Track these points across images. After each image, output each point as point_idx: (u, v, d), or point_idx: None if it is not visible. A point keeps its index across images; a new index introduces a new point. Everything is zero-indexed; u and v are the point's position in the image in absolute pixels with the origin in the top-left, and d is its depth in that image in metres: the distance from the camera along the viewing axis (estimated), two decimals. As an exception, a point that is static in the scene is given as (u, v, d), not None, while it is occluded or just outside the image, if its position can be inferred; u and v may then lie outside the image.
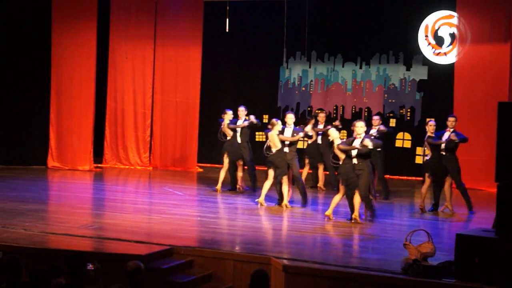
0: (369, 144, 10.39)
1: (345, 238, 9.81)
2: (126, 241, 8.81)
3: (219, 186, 13.29)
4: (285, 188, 11.67)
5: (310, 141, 14.03)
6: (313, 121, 14.05)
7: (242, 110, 13.25)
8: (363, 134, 10.59)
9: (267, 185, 11.85)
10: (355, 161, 10.47)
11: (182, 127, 16.79)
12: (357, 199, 10.45)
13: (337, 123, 13.94)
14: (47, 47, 16.17)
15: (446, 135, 11.73)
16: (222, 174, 13.33)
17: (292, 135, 11.73)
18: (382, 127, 12.95)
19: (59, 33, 16.18)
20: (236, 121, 13.25)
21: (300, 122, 14.74)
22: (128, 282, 5.91)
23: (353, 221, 10.42)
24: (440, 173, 11.71)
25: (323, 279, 7.68)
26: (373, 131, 12.78)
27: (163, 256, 8.43)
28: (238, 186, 13.34)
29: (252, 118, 13.12)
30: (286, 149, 11.70)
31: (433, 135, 11.81)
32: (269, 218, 11.14)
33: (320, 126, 14.03)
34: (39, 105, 16.29)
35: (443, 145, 11.68)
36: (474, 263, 7.18)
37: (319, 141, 13.97)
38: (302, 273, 7.80)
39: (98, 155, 16.70)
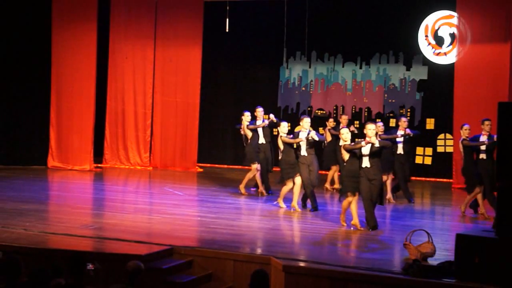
0: (375, 142, 10.05)
1: (345, 238, 9.81)
2: (126, 241, 8.81)
3: (260, 188, 13.09)
4: (296, 189, 11.46)
5: (326, 142, 13.73)
6: (332, 123, 13.90)
7: (260, 111, 13.09)
8: (373, 137, 10.32)
9: (285, 188, 11.64)
10: (366, 162, 10.02)
11: (182, 127, 16.79)
12: (346, 201, 10.20)
13: (352, 128, 13.77)
14: (47, 47, 16.17)
15: (483, 138, 11.34)
16: (258, 179, 13.06)
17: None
18: (408, 131, 12.70)
19: (59, 33, 16.19)
20: (254, 122, 13.14)
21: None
22: (128, 282, 5.92)
23: (352, 227, 10.24)
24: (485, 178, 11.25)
25: (323, 279, 7.68)
26: (400, 133, 12.60)
27: (163, 256, 8.43)
28: (259, 190, 13.07)
29: (272, 116, 12.90)
30: (304, 152, 11.43)
31: (467, 138, 11.45)
32: (270, 218, 11.13)
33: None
34: (39, 105, 16.29)
35: (483, 147, 11.29)
36: (474, 263, 7.18)
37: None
38: (302, 273, 7.80)
39: (98, 155, 16.70)
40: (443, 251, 8.35)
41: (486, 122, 11.44)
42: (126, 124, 16.84)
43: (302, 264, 7.97)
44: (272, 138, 13.39)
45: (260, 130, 13.01)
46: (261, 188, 13.05)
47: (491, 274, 7.11)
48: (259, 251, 8.58)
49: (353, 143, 10.34)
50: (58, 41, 16.22)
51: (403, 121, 12.73)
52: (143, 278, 5.97)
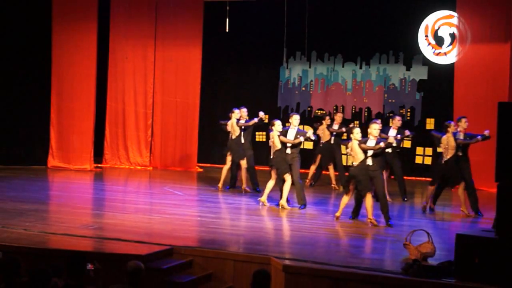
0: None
1: (345, 238, 9.81)
2: (126, 241, 8.81)
3: (220, 184, 13.36)
4: (286, 186, 11.63)
5: (323, 141, 14.05)
6: (328, 121, 14.08)
7: (244, 111, 13.35)
8: (378, 136, 10.55)
9: (269, 185, 11.83)
10: (369, 161, 10.40)
11: (182, 127, 16.79)
12: (368, 201, 10.36)
13: (351, 125, 13.97)
14: (48, 47, 16.18)
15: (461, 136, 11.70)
16: (224, 173, 13.39)
17: (295, 137, 11.64)
18: (407, 132, 12.87)
19: (60, 33, 16.19)
20: (238, 121, 13.27)
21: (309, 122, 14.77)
22: (128, 282, 5.92)
23: (369, 224, 10.35)
24: (456, 175, 11.61)
25: (323, 279, 7.68)
26: (393, 132, 12.65)
27: (163, 256, 8.43)
28: (243, 188, 13.29)
29: (262, 114, 13.20)
30: (288, 150, 11.67)
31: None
32: (270, 218, 11.14)
33: (335, 127, 14.09)
34: (39, 105, 16.30)
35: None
36: (474, 263, 7.18)
37: (332, 141, 14.05)
38: (302, 273, 7.80)
39: (98, 155, 16.70)
40: (443, 251, 8.35)
41: (463, 120, 11.83)
42: (126, 124, 16.84)
43: (302, 264, 7.97)
44: (254, 136, 13.66)
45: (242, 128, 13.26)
46: (221, 183, 13.40)
47: (491, 274, 7.11)
48: (258, 251, 8.56)
49: (373, 144, 10.49)
50: (58, 41, 16.22)
51: (397, 120, 12.96)
52: (143, 278, 5.97)
